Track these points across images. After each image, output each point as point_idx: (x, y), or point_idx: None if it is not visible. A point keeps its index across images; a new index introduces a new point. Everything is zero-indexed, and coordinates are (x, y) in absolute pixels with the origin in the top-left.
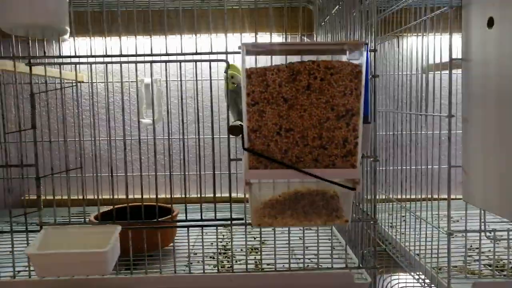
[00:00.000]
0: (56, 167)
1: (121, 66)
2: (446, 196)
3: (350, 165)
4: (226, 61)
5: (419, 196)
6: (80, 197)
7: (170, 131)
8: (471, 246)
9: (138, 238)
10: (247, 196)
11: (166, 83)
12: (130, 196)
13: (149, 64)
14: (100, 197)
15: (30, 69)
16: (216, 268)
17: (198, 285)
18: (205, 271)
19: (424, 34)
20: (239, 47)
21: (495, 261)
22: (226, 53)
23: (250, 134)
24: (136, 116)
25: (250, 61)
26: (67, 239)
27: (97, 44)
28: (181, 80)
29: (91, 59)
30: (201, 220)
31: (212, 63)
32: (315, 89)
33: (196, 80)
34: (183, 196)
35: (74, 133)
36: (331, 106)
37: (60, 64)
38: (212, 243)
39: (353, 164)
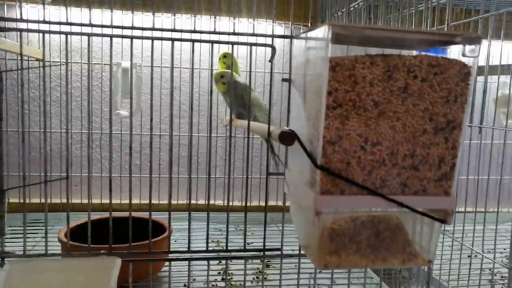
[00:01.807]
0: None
1: (88, 39)
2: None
3: (443, 191)
4: (272, 46)
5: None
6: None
7: (160, 126)
8: None
9: (123, 269)
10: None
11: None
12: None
13: (130, 43)
14: (70, 200)
15: None
16: None
17: None
18: None
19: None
20: (300, 32)
21: None
22: (273, 36)
23: (327, 147)
24: (107, 106)
25: (334, 50)
26: (41, 280)
27: (74, 15)
28: (193, 66)
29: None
30: (219, 251)
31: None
32: (413, 92)
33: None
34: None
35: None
36: (429, 116)
37: (42, 31)
38: (220, 273)
39: (446, 190)
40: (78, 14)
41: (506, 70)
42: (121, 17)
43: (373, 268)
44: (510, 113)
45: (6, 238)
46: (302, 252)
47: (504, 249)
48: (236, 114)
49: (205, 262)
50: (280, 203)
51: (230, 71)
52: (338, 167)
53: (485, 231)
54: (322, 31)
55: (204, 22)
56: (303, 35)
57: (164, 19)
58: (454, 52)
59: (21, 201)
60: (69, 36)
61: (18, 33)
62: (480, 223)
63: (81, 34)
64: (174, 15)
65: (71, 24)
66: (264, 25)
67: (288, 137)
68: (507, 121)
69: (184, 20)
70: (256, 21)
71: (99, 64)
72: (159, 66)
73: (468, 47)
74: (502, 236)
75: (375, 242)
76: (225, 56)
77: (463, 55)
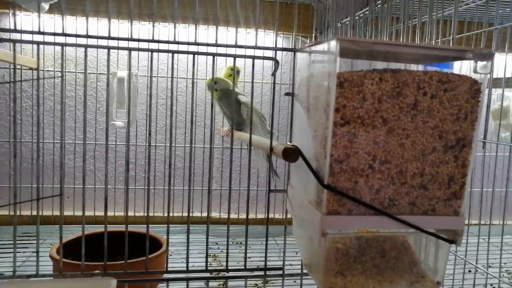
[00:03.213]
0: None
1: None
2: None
3: (453, 211)
4: (275, 59)
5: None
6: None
7: (159, 136)
8: None
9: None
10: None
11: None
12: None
13: (127, 54)
14: (71, 212)
15: None
16: None
17: None
18: None
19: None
20: (298, 48)
21: None
22: (275, 49)
23: (334, 166)
24: (103, 117)
25: (341, 65)
26: None
27: (69, 24)
28: (194, 75)
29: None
30: (219, 270)
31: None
32: (423, 109)
33: (193, 78)
34: (165, 214)
35: (32, 134)
36: (439, 133)
37: (39, 43)
38: None
39: (456, 210)
40: (74, 23)
41: (510, 83)
42: (118, 26)
43: None
44: (506, 126)
45: None
46: (304, 270)
47: (505, 263)
48: (232, 122)
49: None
50: (277, 216)
51: (223, 78)
52: (345, 186)
53: (490, 245)
54: (329, 45)
55: (202, 32)
56: (307, 49)
57: (161, 29)
58: (463, 67)
59: (12, 213)
60: (64, 47)
61: (13, 44)
62: (483, 236)
63: (77, 45)
64: (175, 26)
65: (66, 35)
66: (262, 35)
67: (292, 154)
68: (498, 133)
69: (181, 30)
70: (257, 32)
71: (94, 73)
72: (155, 76)
73: (479, 63)
74: (504, 251)
75: (381, 262)
76: (216, 82)
77: (475, 71)
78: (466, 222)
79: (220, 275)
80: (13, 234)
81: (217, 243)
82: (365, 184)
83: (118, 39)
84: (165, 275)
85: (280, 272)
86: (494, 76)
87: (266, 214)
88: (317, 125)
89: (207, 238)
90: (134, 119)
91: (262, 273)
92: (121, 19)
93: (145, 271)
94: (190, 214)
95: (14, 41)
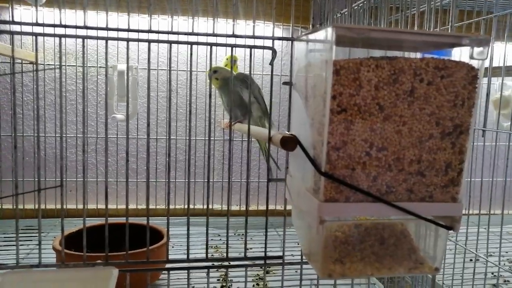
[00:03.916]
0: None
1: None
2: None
3: (451, 197)
4: (272, 48)
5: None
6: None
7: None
8: None
9: (120, 279)
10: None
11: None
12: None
13: (126, 45)
14: (64, 209)
15: None
16: None
17: None
18: None
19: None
20: (296, 37)
21: None
22: (273, 38)
23: (331, 153)
24: (103, 110)
25: (338, 54)
26: None
27: (69, 18)
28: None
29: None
30: (219, 259)
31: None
32: (419, 96)
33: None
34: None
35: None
36: (436, 120)
37: (37, 35)
38: (219, 280)
39: (453, 196)
40: (72, 16)
41: (510, 72)
42: (117, 19)
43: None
44: (507, 115)
45: None
46: (304, 259)
47: (506, 252)
48: (233, 113)
49: (204, 270)
50: (278, 207)
51: (223, 67)
52: (342, 173)
53: (489, 234)
54: (325, 33)
55: (202, 24)
56: (304, 37)
57: (160, 21)
58: (460, 54)
59: (14, 207)
60: (63, 38)
61: (11, 35)
62: (483, 226)
63: (76, 36)
64: (172, 17)
65: (65, 26)
66: (262, 27)
67: (290, 143)
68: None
69: (181, 22)
70: (255, 23)
71: (94, 67)
72: (155, 69)
73: (476, 49)
74: (504, 239)
75: (380, 250)
76: (215, 71)
77: (471, 57)
78: (466, 211)
79: (221, 264)
80: (15, 225)
81: (219, 235)
82: (362, 171)
83: (118, 30)
84: (167, 265)
85: (280, 261)
86: (495, 65)
87: (266, 203)
88: (314, 113)
89: (207, 228)
90: (135, 112)
91: (262, 262)
92: (120, 11)
93: (146, 260)
94: (190, 206)
95: (13, 33)
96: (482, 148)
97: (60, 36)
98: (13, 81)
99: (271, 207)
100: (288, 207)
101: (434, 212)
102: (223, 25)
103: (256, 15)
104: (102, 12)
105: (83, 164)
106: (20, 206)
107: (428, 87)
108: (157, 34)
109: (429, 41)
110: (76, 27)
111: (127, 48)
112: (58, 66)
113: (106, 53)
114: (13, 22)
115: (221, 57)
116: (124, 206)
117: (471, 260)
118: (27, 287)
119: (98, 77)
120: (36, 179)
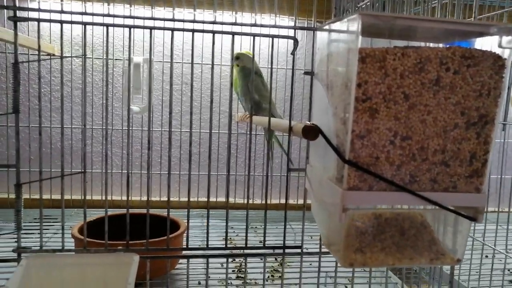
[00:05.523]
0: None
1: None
2: None
3: (474, 188)
4: (294, 38)
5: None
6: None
7: (185, 121)
8: None
9: (140, 265)
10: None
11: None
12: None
13: (149, 34)
14: (89, 196)
15: (16, 25)
16: None
17: None
18: None
19: None
20: (319, 26)
21: None
22: (295, 28)
23: (355, 142)
24: (118, 102)
25: (362, 44)
26: (58, 275)
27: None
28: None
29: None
30: (237, 248)
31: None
32: (445, 85)
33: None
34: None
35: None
36: (461, 110)
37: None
38: (234, 270)
39: (477, 187)
40: (95, 7)
41: None
42: (143, 11)
43: (391, 268)
44: None
45: None
46: (323, 249)
47: None
48: (249, 104)
49: (219, 260)
50: (292, 201)
51: (247, 55)
52: (366, 162)
53: (509, 231)
54: (350, 22)
55: (226, 17)
56: (327, 27)
57: (186, 14)
58: (486, 44)
59: (33, 196)
60: (86, 27)
61: (33, 25)
62: (502, 223)
63: (101, 24)
64: (195, 10)
65: (92, 14)
66: (286, 21)
67: (312, 132)
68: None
69: (206, 16)
70: (278, 17)
71: (110, 59)
72: (168, 62)
73: (505, 38)
74: None
75: (400, 240)
76: (237, 57)
77: (500, 46)
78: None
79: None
80: (39, 211)
81: (232, 227)
82: (386, 160)
83: (143, 18)
84: (185, 253)
85: (299, 250)
86: None
87: (286, 192)
88: (337, 102)
89: (226, 219)
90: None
91: (281, 251)
92: (145, 4)
93: (167, 247)
94: (210, 196)
95: (41, 20)
96: (499, 146)
97: (85, 23)
98: (39, 68)
99: (290, 201)
100: (308, 201)
101: (457, 202)
102: (247, 19)
103: (280, 9)
104: (118, 5)
105: (105, 153)
106: (36, 196)
107: (454, 76)
108: (182, 23)
109: (454, 29)
110: (102, 15)
111: (151, 38)
112: (75, 59)
113: (130, 41)
114: (41, 10)
115: (237, 51)
116: (137, 198)
117: (486, 256)
118: (51, 271)
119: (114, 69)
120: (54, 170)
